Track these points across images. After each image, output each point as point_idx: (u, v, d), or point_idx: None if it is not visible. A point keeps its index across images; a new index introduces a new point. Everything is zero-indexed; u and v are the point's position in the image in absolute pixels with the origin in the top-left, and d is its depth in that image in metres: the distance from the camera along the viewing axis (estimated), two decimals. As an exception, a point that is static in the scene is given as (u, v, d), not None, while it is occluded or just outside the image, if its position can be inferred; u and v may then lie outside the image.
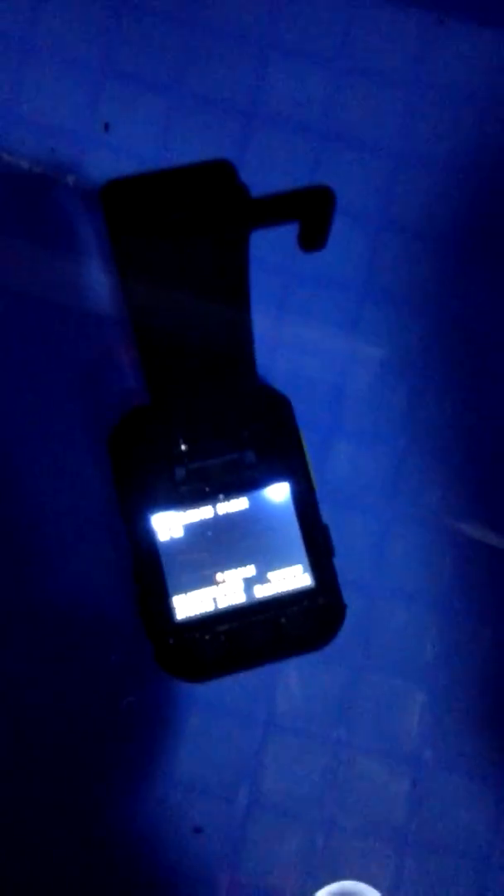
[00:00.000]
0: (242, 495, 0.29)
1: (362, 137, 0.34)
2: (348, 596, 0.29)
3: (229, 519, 0.29)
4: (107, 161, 0.33)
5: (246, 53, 0.34)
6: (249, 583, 0.29)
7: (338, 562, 0.29)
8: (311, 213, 0.20)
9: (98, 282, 0.33)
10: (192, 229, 0.19)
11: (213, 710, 0.31)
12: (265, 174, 0.33)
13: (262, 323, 0.32)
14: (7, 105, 0.32)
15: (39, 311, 0.32)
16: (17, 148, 0.32)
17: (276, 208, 0.19)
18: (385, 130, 0.34)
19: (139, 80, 0.33)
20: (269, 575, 0.29)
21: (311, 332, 0.33)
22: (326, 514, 0.29)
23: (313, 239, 0.21)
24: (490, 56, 0.34)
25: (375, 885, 0.31)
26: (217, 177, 0.19)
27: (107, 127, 0.33)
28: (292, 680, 0.32)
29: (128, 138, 0.33)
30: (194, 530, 0.29)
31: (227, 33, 0.34)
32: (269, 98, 0.34)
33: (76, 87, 0.33)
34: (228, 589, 0.29)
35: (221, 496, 0.29)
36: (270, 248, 0.32)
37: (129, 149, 0.33)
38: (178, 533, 0.29)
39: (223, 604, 0.28)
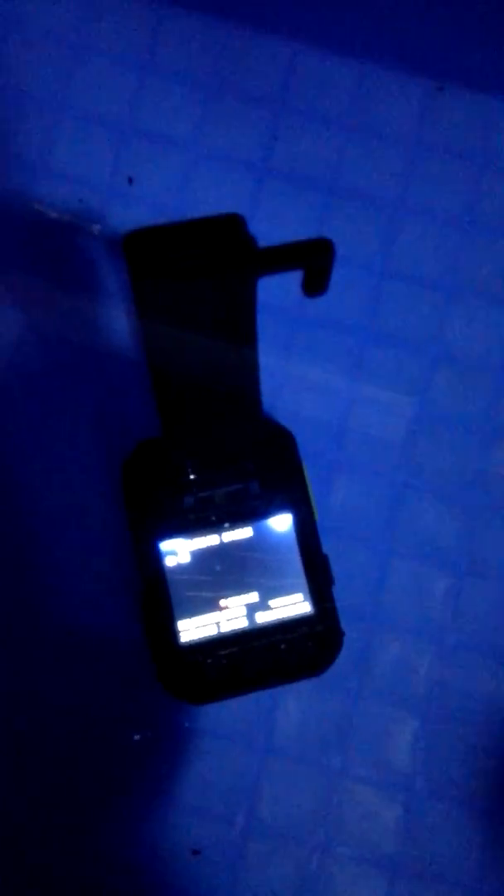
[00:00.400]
0: (247, 524, 0.30)
1: (366, 192, 0.36)
2: (347, 625, 0.30)
3: (234, 547, 0.30)
4: (130, 212, 0.35)
5: (260, 114, 0.36)
6: (251, 609, 0.30)
7: (337, 591, 0.30)
8: (312, 261, 0.22)
9: (117, 323, 0.35)
10: (204, 275, 0.21)
11: (213, 735, 0.32)
12: (276, 224, 0.36)
13: (270, 363, 0.34)
14: (40, 159, 0.35)
15: (61, 349, 0.35)
16: (47, 199, 0.35)
17: (281, 257, 0.21)
18: (387, 186, 0.36)
19: (161, 137, 0.36)
20: (271, 602, 0.30)
21: (315, 372, 0.35)
22: (327, 545, 0.31)
23: (315, 285, 0.23)
24: (484, 120, 0.37)
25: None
26: (228, 228, 0.21)
27: (131, 180, 0.35)
28: (290, 707, 0.33)
29: (150, 191, 0.36)
30: (200, 557, 0.30)
31: (244, 95, 0.37)
32: (281, 155, 0.36)
33: (104, 143, 0.36)
34: (231, 614, 0.30)
35: (227, 525, 0.30)
36: (278, 293, 0.35)
37: (150, 201, 0.36)
38: (185, 559, 0.30)
39: (226, 628, 0.30)
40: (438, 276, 0.36)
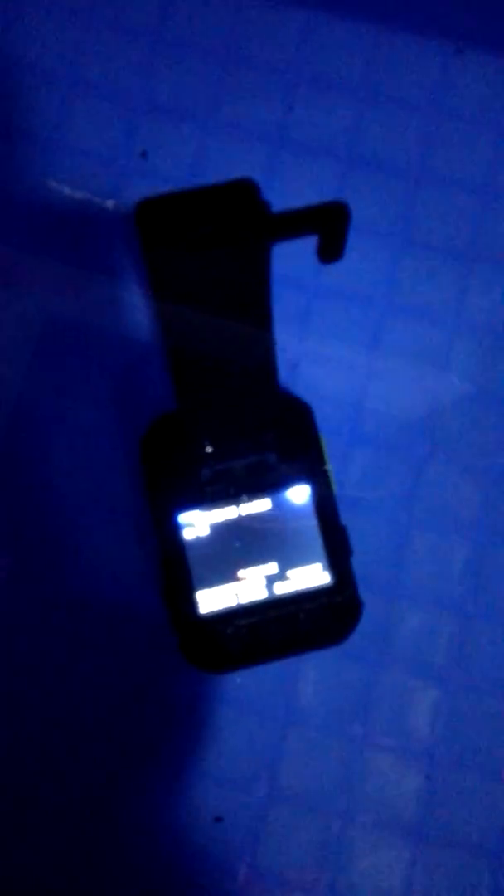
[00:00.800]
0: (265, 496, 0.30)
1: (385, 160, 0.36)
2: (366, 596, 0.30)
3: (252, 518, 0.30)
4: (144, 185, 0.35)
5: (274, 84, 0.36)
6: (270, 580, 0.30)
7: (357, 563, 0.30)
8: (327, 226, 0.22)
9: (132, 298, 0.35)
10: (217, 241, 0.21)
11: (235, 705, 0.33)
12: (293, 195, 0.35)
13: (287, 336, 0.34)
14: (54, 135, 0.35)
15: (77, 327, 0.35)
16: (61, 174, 0.35)
17: (295, 222, 0.21)
18: (406, 153, 0.36)
19: (175, 109, 0.36)
20: (289, 573, 0.30)
21: (334, 345, 0.35)
22: (346, 517, 0.31)
23: (331, 251, 0.22)
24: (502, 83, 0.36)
25: (388, 879, 0.31)
26: (241, 194, 0.21)
27: (144, 154, 0.35)
28: (311, 677, 0.33)
29: (164, 164, 0.35)
30: (218, 529, 0.30)
31: (258, 65, 0.36)
32: (296, 124, 0.36)
33: (117, 118, 0.35)
34: (250, 585, 0.30)
35: (245, 497, 0.30)
36: (295, 265, 0.34)
37: (165, 174, 0.35)
38: (204, 531, 0.30)
39: (245, 599, 0.30)
40: (460, 244, 0.35)
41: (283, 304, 0.34)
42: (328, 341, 0.35)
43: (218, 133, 0.36)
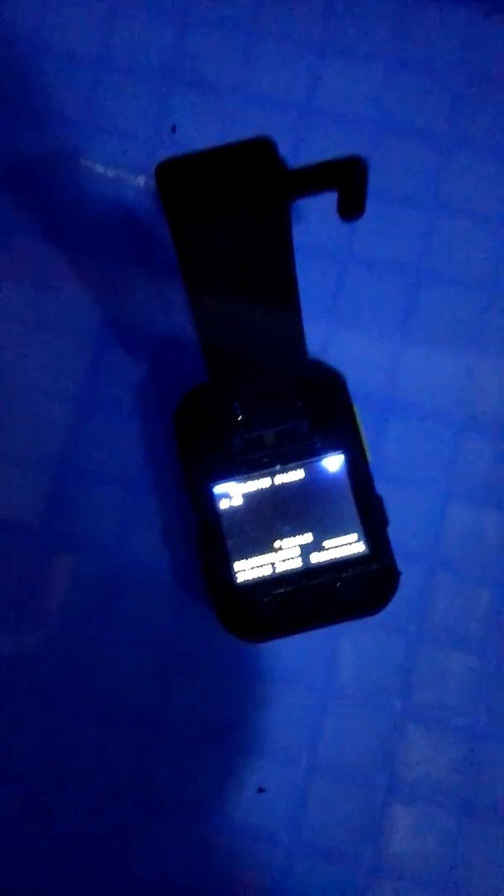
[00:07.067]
0: (298, 466, 0.30)
1: (414, 128, 0.35)
2: (404, 567, 0.30)
3: (286, 488, 0.30)
4: (174, 161, 0.35)
5: (301, 55, 0.36)
6: (306, 549, 0.30)
7: (393, 533, 0.30)
8: (345, 182, 0.21)
9: (165, 275, 0.35)
10: (236, 197, 0.21)
11: (276, 677, 0.33)
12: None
13: (319, 305, 0.34)
14: (84, 113, 0.35)
15: (111, 303, 0.35)
16: (93, 153, 0.35)
17: (311, 177, 0.21)
18: (436, 120, 0.35)
19: (203, 84, 0.36)
20: (325, 542, 0.30)
21: (367, 315, 0.34)
22: (382, 488, 0.30)
23: (351, 207, 0.22)
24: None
25: (431, 851, 0.31)
26: (258, 152, 0.21)
27: (174, 129, 0.35)
28: (350, 649, 0.33)
29: (194, 139, 0.35)
30: (253, 499, 0.30)
31: (284, 37, 0.36)
32: (324, 95, 0.36)
33: (146, 94, 0.36)
34: (286, 555, 0.30)
35: (278, 466, 0.30)
36: (328, 234, 0.34)
37: (194, 148, 0.35)
38: (238, 501, 0.30)
39: (281, 569, 0.30)
40: (492, 210, 0.35)
41: (316, 274, 0.34)
42: (362, 311, 0.34)
43: (245, 106, 0.36)
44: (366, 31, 0.36)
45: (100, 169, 0.35)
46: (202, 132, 0.35)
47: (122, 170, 0.35)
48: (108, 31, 0.36)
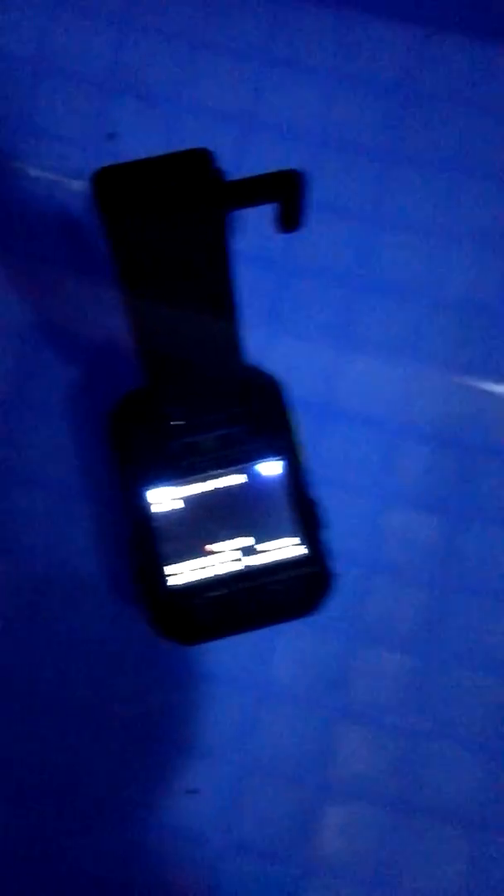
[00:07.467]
0: (234, 470, 0.31)
1: (356, 142, 0.36)
2: (340, 570, 0.31)
3: (221, 493, 0.31)
4: (112, 167, 0.35)
5: (243, 66, 0.36)
6: (241, 552, 0.30)
7: (330, 537, 0.31)
8: (282, 195, 0.22)
9: (100, 277, 0.35)
10: (171, 206, 0.21)
11: (209, 678, 0.33)
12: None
13: (258, 313, 0.34)
14: (21, 117, 0.35)
15: (43, 305, 0.35)
16: (27, 156, 0.35)
17: (248, 189, 0.22)
18: (377, 135, 0.36)
19: (143, 92, 0.36)
20: (259, 546, 0.30)
21: (305, 323, 0.35)
22: (320, 492, 0.31)
23: (289, 220, 0.23)
24: (473, 67, 0.36)
25: (363, 850, 0.32)
26: (195, 162, 0.21)
27: (111, 136, 0.36)
28: (286, 650, 0.33)
29: (132, 146, 0.36)
30: (188, 503, 0.31)
31: (227, 48, 0.36)
32: (266, 108, 0.36)
33: (84, 100, 0.36)
34: (220, 558, 0.30)
35: (213, 471, 0.31)
36: (266, 244, 0.35)
37: (133, 156, 0.35)
38: (173, 506, 0.31)
39: (215, 572, 0.30)
40: (430, 225, 0.36)
41: (258, 283, 0.35)
42: (302, 320, 0.35)
43: (186, 116, 0.36)
44: (309, 45, 0.36)
45: (35, 172, 0.35)
46: (142, 141, 0.36)
47: (57, 174, 0.35)
48: (46, 34, 0.36)
